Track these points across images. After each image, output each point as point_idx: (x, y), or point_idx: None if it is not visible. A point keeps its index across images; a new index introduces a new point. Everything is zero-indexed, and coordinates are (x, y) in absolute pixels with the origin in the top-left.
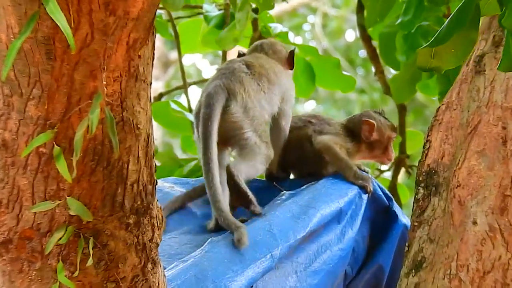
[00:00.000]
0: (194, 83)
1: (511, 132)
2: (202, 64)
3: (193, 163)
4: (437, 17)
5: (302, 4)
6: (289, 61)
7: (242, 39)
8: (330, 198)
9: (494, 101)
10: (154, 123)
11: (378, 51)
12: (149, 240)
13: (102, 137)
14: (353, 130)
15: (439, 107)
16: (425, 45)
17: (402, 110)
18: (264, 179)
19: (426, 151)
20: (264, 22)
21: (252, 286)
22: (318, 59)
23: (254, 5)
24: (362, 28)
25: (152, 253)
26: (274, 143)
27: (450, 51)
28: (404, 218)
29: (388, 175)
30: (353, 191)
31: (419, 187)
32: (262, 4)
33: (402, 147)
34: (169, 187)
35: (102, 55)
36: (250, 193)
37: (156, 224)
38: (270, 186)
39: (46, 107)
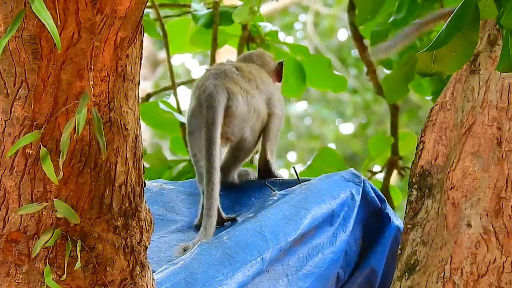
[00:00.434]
0: (183, 83)
1: (506, 132)
2: (191, 64)
3: (182, 164)
4: None
5: (294, 2)
6: (277, 73)
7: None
8: (322, 199)
9: (489, 101)
10: (143, 124)
11: (369, 50)
12: (137, 242)
13: (90, 138)
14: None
15: (433, 107)
16: (424, 49)
17: (394, 110)
18: (259, 177)
19: (419, 152)
20: (253, 20)
21: None
22: (309, 58)
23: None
24: (354, 26)
25: (141, 256)
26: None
27: (451, 55)
28: (397, 220)
29: (380, 176)
30: (345, 192)
31: (412, 189)
32: None
33: (394, 148)
34: (158, 186)
35: (89, 54)
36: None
37: (144, 227)
38: (262, 186)
39: (32, 107)
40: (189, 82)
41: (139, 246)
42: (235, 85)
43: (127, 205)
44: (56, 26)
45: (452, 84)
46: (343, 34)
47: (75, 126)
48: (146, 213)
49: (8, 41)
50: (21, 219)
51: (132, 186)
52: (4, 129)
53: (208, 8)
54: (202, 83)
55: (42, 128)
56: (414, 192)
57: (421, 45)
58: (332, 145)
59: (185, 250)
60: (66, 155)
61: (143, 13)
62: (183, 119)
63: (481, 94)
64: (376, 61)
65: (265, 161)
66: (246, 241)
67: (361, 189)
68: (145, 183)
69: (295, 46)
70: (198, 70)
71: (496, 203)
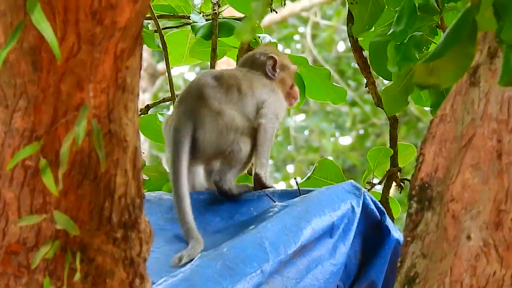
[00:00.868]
0: None
1: (506, 145)
2: (190, 75)
3: None
4: (430, 27)
5: (292, 14)
6: (269, 69)
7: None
8: (322, 211)
9: (489, 114)
10: (141, 135)
11: (369, 61)
12: (137, 254)
13: (89, 150)
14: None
15: (433, 120)
16: (421, 61)
17: (394, 122)
18: (254, 190)
19: (419, 165)
20: None
21: None
22: (308, 70)
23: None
24: (353, 38)
25: (140, 268)
26: (260, 154)
27: (448, 67)
28: (397, 232)
29: (379, 188)
30: (346, 204)
31: (412, 201)
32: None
33: (393, 160)
34: (157, 197)
35: (89, 66)
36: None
37: (144, 238)
38: (261, 196)
39: (32, 118)
40: None
41: (138, 258)
42: (205, 108)
43: (126, 216)
44: (56, 37)
45: (452, 97)
46: (342, 46)
47: (74, 137)
48: (146, 225)
49: (8, 52)
50: (20, 231)
51: (131, 198)
52: (3, 141)
53: (207, 20)
54: (176, 104)
55: (42, 140)
56: (414, 205)
57: (420, 57)
58: (330, 157)
59: (180, 260)
60: (66, 167)
61: (142, 24)
62: None
63: (481, 107)
64: (375, 72)
65: (254, 175)
66: (246, 253)
67: (361, 201)
68: (144, 195)
69: (294, 57)
70: None
71: (496, 216)
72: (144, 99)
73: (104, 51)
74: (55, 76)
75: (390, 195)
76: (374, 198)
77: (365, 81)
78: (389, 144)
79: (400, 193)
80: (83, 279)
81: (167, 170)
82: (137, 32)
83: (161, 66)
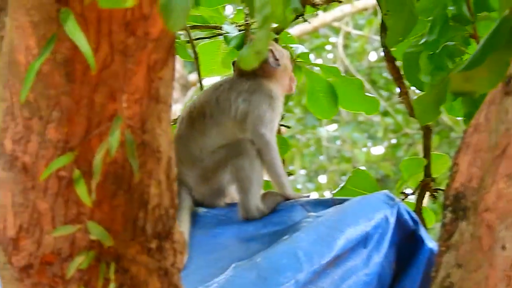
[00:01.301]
0: None
1: None
2: None
3: None
4: (463, 37)
5: (324, 24)
6: (273, 61)
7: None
8: (356, 221)
9: None
10: None
11: (402, 71)
12: (171, 265)
13: (123, 160)
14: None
15: (467, 129)
16: (456, 70)
17: (427, 132)
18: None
19: (453, 175)
20: (284, 42)
21: None
22: (341, 80)
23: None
24: (386, 48)
25: (174, 278)
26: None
27: (483, 75)
28: (431, 242)
29: (412, 198)
30: (380, 214)
31: (446, 211)
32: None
33: (427, 170)
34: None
35: (122, 77)
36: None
37: (178, 249)
38: (293, 205)
39: (65, 129)
40: None
41: (172, 268)
42: (181, 146)
43: (160, 227)
44: (89, 48)
45: (486, 106)
46: (374, 56)
47: (108, 148)
48: (180, 235)
49: (41, 64)
50: (55, 241)
51: (165, 208)
52: (38, 152)
53: (240, 30)
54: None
55: (75, 150)
56: (448, 214)
57: (453, 67)
58: (363, 167)
59: None
60: (99, 177)
61: (175, 35)
62: None
63: None
64: (408, 83)
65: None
66: (280, 263)
67: (395, 211)
68: (178, 205)
69: (327, 67)
70: None
71: None
72: (176, 109)
73: (137, 62)
74: (89, 87)
75: (423, 205)
76: (408, 208)
77: (398, 91)
78: (422, 154)
79: (433, 203)
80: None
81: None
82: (170, 43)
83: (193, 76)
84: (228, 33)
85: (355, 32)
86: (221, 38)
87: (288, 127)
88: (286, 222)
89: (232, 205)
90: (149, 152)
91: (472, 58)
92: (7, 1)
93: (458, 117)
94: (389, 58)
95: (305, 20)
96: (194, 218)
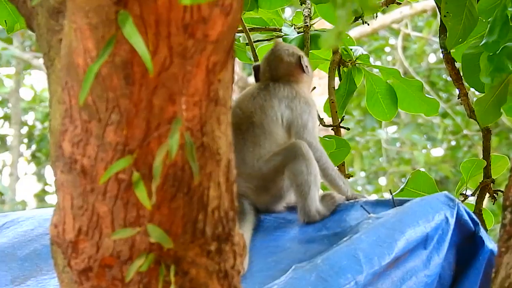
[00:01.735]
0: None
1: None
2: None
3: None
4: None
5: (383, 26)
6: (306, 67)
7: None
8: (416, 222)
9: None
10: None
11: (461, 73)
12: (231, 267)
13: (182, 163)
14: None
15: None
16: None
17: (487, 133)
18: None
19: None
20: (344, 44)
21: None
22: (400, 82)
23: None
24: (445, 50)
25: (234, 280)
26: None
27: None
28: (491, 243)
29: (472, 200)
30: (440, 215)
31: (506, 212)
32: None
33: (486, 171)
34: None
35: (181, 79)
36: None
37: (237, 251)
38: (352, 204)
39: (124, 132)
40: None
41: (232, 271)
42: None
43: (220, 229)
44: (148, 51)
45: None
46: (433, 58)
47: (167, 151)
48: (240, 238)
49: (100, 66)
50: (114, 244)
51: (225, 211)
52: (97, 154)
53: (299, 32)
54: None
55: (135, 153)
56: (508, 215)
57: None
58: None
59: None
60: (159, 180)
61: (234, 37)
62: None
63: None
64: (467, 84)
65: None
66: (340, 264)
67: (455, 212)
68: (238, 208)
69: (387, 69)
70: None
71: None
72: None
73: (196, 65)
74: (147, 90)
75: (483, 206)
76: (468, 209)
77: (458, 92)
78: (481, 155)
79: (493, 204)
80: None
81: None
82: (229, 45)
83: (252, 79)
84: (287, 35)
85: (414, 34)
86: (280, 40)
87: (347, 129)
88: (345, 224)
89: (290, 207)
90: (209, 155)
91: None
92: (65, 3)
93: None
94: (449, 60)
95: (365, 22)
96: (255, 223)
